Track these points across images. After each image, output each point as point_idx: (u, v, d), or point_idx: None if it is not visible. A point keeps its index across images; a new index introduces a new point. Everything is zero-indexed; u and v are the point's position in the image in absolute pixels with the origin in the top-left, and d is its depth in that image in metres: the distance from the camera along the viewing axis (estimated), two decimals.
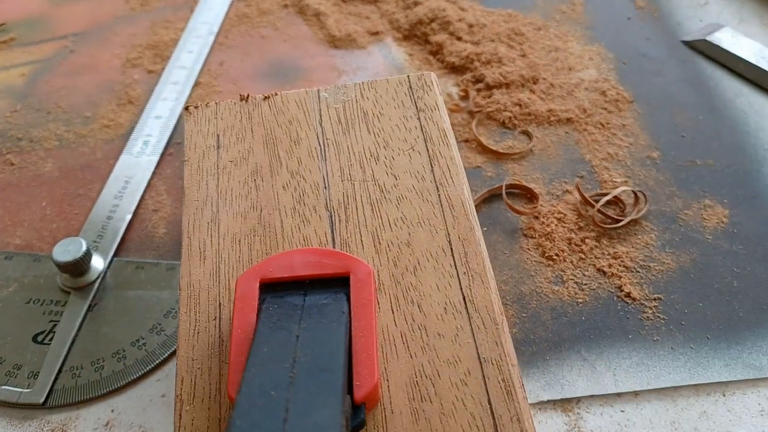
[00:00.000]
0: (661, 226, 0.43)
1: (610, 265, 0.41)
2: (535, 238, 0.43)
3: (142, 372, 0.37)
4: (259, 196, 0.33)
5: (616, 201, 0.44)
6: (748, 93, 0.52)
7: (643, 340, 0.38)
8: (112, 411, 0.36)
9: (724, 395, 0.36)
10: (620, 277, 0.40)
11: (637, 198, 0.44)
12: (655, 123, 0.50)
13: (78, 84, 0.54)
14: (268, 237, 0.31)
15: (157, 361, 0.38)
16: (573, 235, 0.42)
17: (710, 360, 0.37)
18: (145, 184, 0.46)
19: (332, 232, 0.31)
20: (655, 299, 0.40)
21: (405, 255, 0.31)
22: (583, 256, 0.42)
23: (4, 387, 0.36)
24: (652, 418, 0.36)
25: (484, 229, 0.43)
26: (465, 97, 0.52)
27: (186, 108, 0.36)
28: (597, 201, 0.43)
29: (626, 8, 0.60)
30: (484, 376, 0.27)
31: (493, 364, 0.27)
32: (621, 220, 0.43)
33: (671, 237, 0.43)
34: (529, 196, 0.45)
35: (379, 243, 0.31)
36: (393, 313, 0.29)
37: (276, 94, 0.37)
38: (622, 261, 0.41)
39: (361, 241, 0.31)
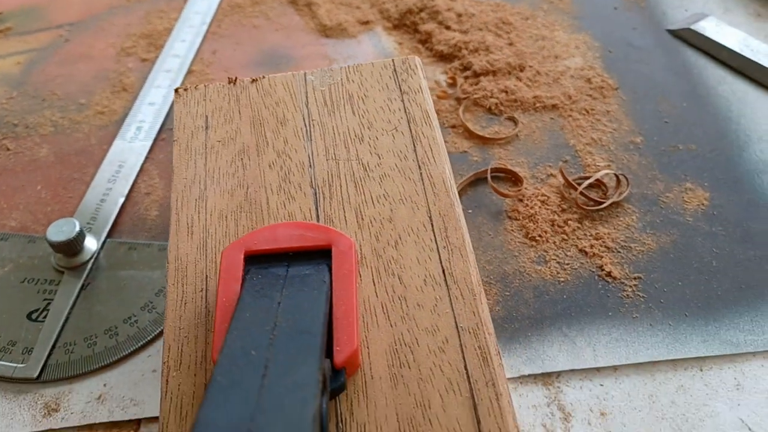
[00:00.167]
0: (643, 209, 0.44)
1: (591, 246, 0.42)
2: (519, 219, 0.44)
3: (134, 348, 0.38)
4: (246, 175, 0.34)
5: (598, 184, 0.45)
6: (732, 80, 0.53)
7: (622, 317, 0.39)
8: (104, 385, 0.37)
9: (701, 370, 0.37)
10: (601, 257, 0.41)
11: (619, 181, 0.45)
12: (639, 109, 0.51)
13: (73, 72, 0.55)
14: (254, 213, 0.32)
15: (148, 338, 0.39)
16: (556, 217, 0.43)
17: (688, 336, 0.38)
18: (138, 168, 0.47)
19: (316, 208, 0.32)
20: (635, 278, 0.41)
21: (387, 230, 0.32)
22: (566, 237, 0.42)
23: None
24: (630, 391, 0.36)
25: (470, 211, 0.44)
26: (453, 84, 0.53)
27: (176, 90, 0.37)
28: (580, 184, 0.44)
29: None
30: (461, 344, 0.28)
31: (470, 332, 0.28)
32: (603, 203, 0.44)
33: (652, 219, 0.44)
34: (514, 179, 0.46)
35: (362, 219, 0.32)
36: (374, 284, 0.30)
37: (263, 77, 0.38)
38: (603, 242, 0.42)
39: (345, 216, 0.32)
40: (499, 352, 0.29)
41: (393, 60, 0.38)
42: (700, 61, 0.55)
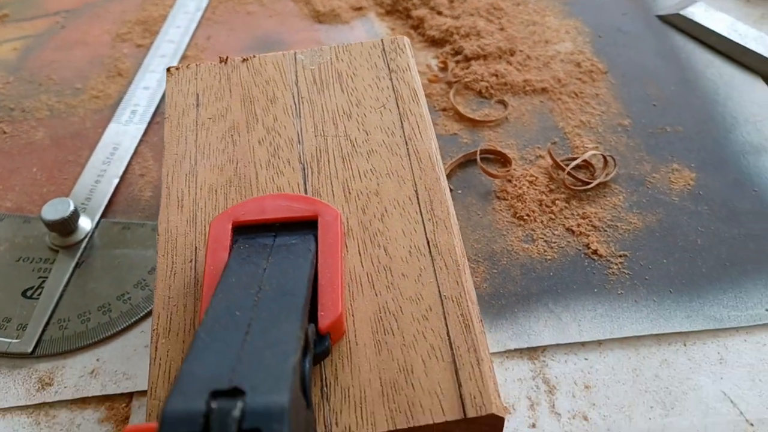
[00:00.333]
0: (630, 189, 0.45)
1: (578, 225, 0.43)
2: (507, 200, 0.44)
3: (127, 324, 0.39)
4: (236, 151, 0.34)
5: (586, 165, 0.46)
6: (719, 64, 0.54)
7: (607, 293, 0.40)
8: (98, 360, 0.38)
9: (684, 345, 0.38)
10: (588, 235, 0.42)
11: (606, 162, 0.45)
12: (627, 93, 0.51)
13: (69, 58, 0.56)
14: (243, 187, 0.33)
15: (141, 314, 0.39)
16: (544, 197, 0.44)
17: (672, 312, 0.39)
18: (132, 150, 0.48)
19: (304, 182, 0.33)
20: (620, 256, 0.41)
21: (373, 203, 0.32)
22: (553, 217, 0.43)
23: None
24: (614, 365, 0.37)
25: (459, 191, 0.45)
26: (444, 68, 0.53)
27: (168, 69, 0.38)
28: (568, 165, 0.45)
29: None
30: (444, 312, 0.29)
31: (453, 301, 0.29)
32: (590, 183, 0.44)
33: (639, 198, 0.44)
34: (503, 160, 0.47)
35: (349, 192, 0.33)
36: (360, 255, 0.31)
37: (254, 57, 0.38)
38: (590, 221, 0.43)
39: (332, 190, 0.33)
40: (481, 320, 0.29)
41: (382, 40, 0.39)
42: (688, 45, 0.55)
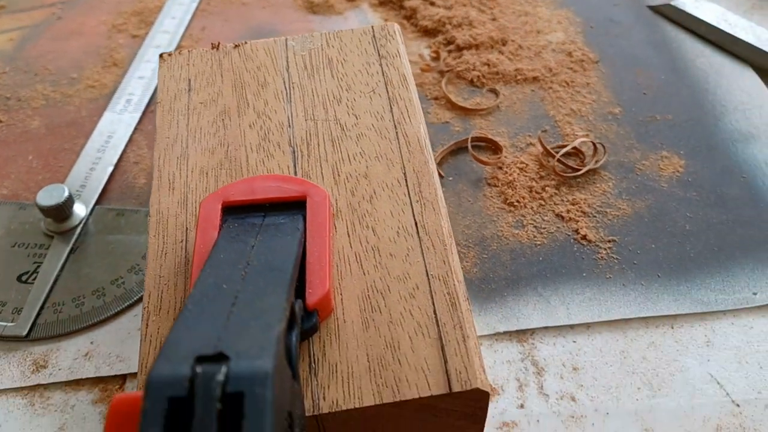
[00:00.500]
0: (619, 176, 0.45)
1: (568, 211, 0.43)
2: (498, 186, 0.45)
3: (121, 308, 0.39)
4: (227, 134, 0.35)
5: (576, 152, 0.46)
6: (710, 54, 0.54)
7: (596, 277, 0.40)
8: (92, 343, 0.38)
9: (672, 327, 0.38)
10: (577, 221, 0.42)
11: (596, 149, 0.46)
12: (618, 82, 0.52)
13: (65, 48, 0.56)
14: (233, 170, 0.33)
15: (134, 298, 0.40)
16: (534, 184, 0.44)
17: (660, 295, 0.39)
18: (126, 139, 0.48)
19: (294, 165, 0.33)
20: (609, 241, 0.42)
21: (362, 185, 0.33)
22: (543, 203, 0.44)
23: None
24: (602, 347, 0.38)
25: (450, 178, 0.45)
26: (436, 58, 0.54)
27: (160, 55, 0.38)
28: (558, 152, 0.45)
29: None
30: (431, 291, 0.29)
31: (440, 279, 0.29)
32: (580, 170, 0.45)
33: (628, 185, 0.45)
34: (494, 148, 0.47)
35: (339, 175, 0.33)
36: (349, 236, 0.31)
37: (245, 43, 0.39)
38: (579, 207, 0.43)
39: (322, 173, 0.33)
40: (468, 299, 0.30)
41: (372, 27, 0.39)
42: (679, 35, 0.56)
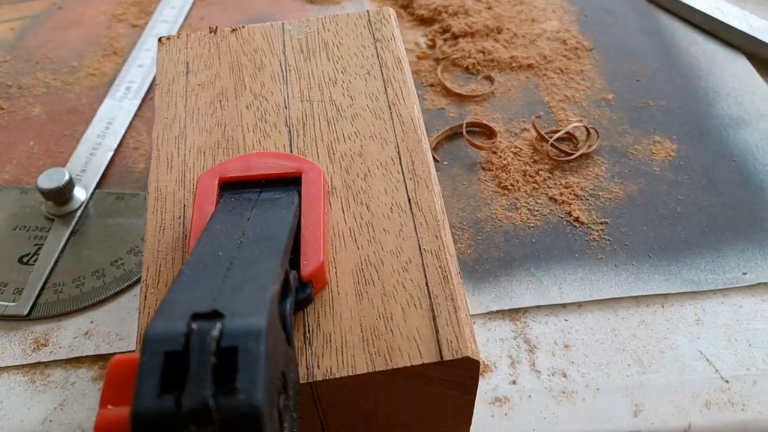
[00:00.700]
0: (612, 160, 0.46)
1: (561, 194, 0.44)
2: (492, 170, 0.45)
3: (120, 288, 0.40)
4: (224, 115, 0.35)
5: (570, 137, 0.47)
6: (703, 42, 0.55)
7: (588, 258, 0.41)
8: (92, 322, 0.39)
9: (662, 306, 0.39)
10: (570, 204, 0.43)
11: (589, 133, 0.47)
12: (612, 69, 0.52)
13: (65, 37, 0.57)
14: (230, 149, 0.34)
15: (134, 279, 0.40)
16: (528, 168, 0.45)
17: (651, 275, 0.40)
18: (126, 125, 0.49)
19: (290, 144, 0.34)
20: (601, 223, 0.42)
21: (357, 164, 0.33)
22: (537, 186, 0.44)
23: None
24: (593, 326, 0.38)
25: (445, 163, 0.46)
26: (432, 46, 0.54)
27: (159, 39, 0.39)
28: (552, 137, 0.46)
29: None
30: (423, 264, 0.30)
31: (432, 253, 0.30)
32: (573, 154, 0.45)
33: (621, 169, 0.45)
34: (489, 133, 0.48)
35: (334, 154, 0.34)
36: (343, 212, 0.32)
37: (243, 27, 0.39)
38: (572, 190, 0.44)
39: (317, 152, 0.34)
40: (459, 272, 0.30)
41: (368, 11, 0.40)
42: (673, 24, 0.56)
